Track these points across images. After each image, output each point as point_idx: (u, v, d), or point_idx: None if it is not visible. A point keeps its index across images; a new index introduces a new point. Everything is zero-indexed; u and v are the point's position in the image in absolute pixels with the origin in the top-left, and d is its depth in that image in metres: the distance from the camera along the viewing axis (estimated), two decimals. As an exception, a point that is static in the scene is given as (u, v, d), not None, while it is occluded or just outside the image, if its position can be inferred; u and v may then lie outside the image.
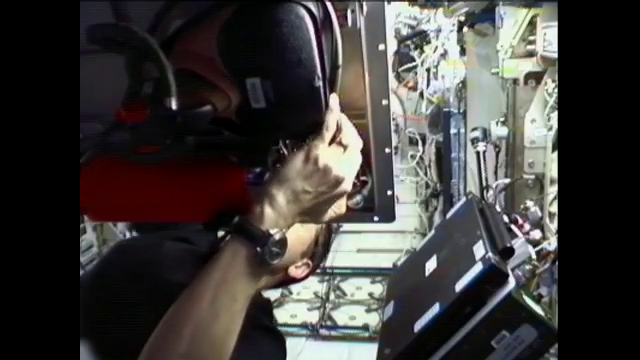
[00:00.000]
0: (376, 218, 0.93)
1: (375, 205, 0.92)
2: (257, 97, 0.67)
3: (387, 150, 0.88)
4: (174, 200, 0.82)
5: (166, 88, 0.58)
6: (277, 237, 0.68)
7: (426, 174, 3.75)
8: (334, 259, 3.83)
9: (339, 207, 0.78)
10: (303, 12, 0.63)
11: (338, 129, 0.73)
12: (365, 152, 0.83)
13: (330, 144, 0.73)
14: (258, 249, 0.68)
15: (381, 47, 0.78)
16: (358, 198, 0.86)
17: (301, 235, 1.10)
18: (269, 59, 0.65)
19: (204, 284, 0.68)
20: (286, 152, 0.82)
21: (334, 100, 0.73)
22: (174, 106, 0.58)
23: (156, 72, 0.59)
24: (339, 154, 0.73)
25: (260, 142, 0.80)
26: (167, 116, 0.59)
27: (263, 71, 0.66)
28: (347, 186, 0.74)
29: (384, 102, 0.83)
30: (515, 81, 1.93)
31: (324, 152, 0.71)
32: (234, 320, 0.69)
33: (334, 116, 0.72)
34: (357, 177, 0.85)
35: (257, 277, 0.71)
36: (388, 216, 0.93)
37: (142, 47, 0.59)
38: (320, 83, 0.68)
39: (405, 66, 3.54)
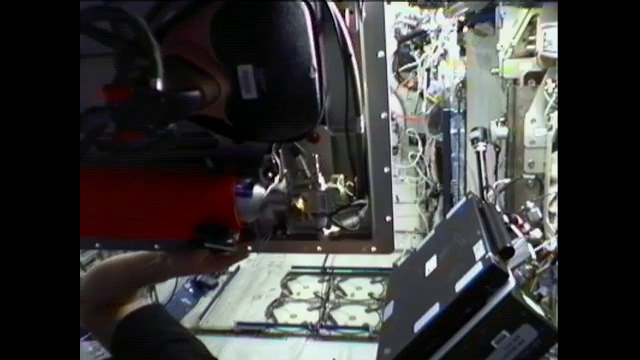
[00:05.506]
0: (373, 248, 0.87)
1: (372, 232, 0.85)
2: (249, 86, 0.64)
3: (386, 169, 0.80)
4: (157, 213, 0.76)
5: (153, 68, 0.55)
6: None
7: (426, 174, 3.76)
8: (334, 259, 3.84)
9: None
10: None
11: None
12: (362, 167, 0.77)
13: None
14: None
15: (380, 54, 0.73)
16: (354, 219, 0.79)
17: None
18: (263, 45, 0.62)
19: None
20: (278, 161, 0.77)
21: None
22: (159, 87, 0.55)
23: (142, 53, 0.56)
24: None
25: (251, 150, 0.75)
26: (151, 97, 0.55)
27: (256, 58, 0.63)
28: None
29: (383, 115, 0.77)
30: (515, 81, 1.93)
31: None
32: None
33: None
34: (352, 198, 0.79)
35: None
36: (386, 246, 0.86)
37: (132, 27, 0.56)
38: (316, 75, 0.65)
39: (405, 66, 3.54)
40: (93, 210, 0.75)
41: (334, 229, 0.79)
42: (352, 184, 0.81)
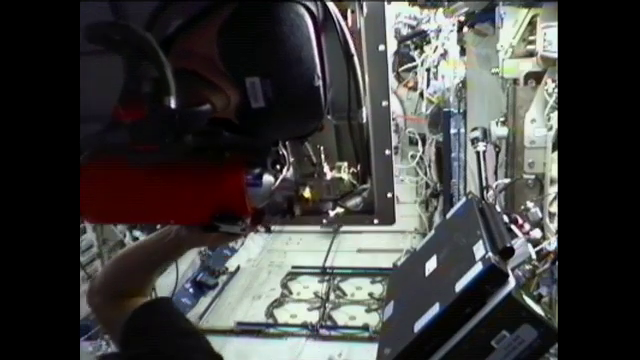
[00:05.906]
0: (376, 221, 0.93)
1: (375, 207, 0.92)
2: (256, 96, 0.68)
3: (387, 152, 0.87)
4: (173, 202, 0.81)
5: (165, 87, 0.59)
6: None
7: (426, 174, 3.76)
8: (334, 259, 3.84)
9: None
10: (303, 11, 0.64)
11: None
12: (365, 154, 0.83)
13: None
14: None
15: (381, 48, 0.79)
16: (358, 200, 0.85)
17: None
18: (269, 57, 0.66)
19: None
20: (285, 153, 0.82)
21: None
22: (173, 105, 0.59)
23: (154, 71, 0.59)
24: None
25: (259, 142, 0.80)
26: (166, 114, 0.59)
27: (263, 70, 0.66)
28: None
29: (384, 103, 0.83)
30: (515, 81, 1.93)
31: None
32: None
33: None
34: (355, 185, 0.85)
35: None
36: (388, 219, 0.93)
37: (141, 45, 0.59)
38: (320, 82, 0.68)
39: (405, 66, 3.54)
40: (120, 199, 0.81)
41: (339, 210, 0.85)
42: (355, 171, 0.86)
